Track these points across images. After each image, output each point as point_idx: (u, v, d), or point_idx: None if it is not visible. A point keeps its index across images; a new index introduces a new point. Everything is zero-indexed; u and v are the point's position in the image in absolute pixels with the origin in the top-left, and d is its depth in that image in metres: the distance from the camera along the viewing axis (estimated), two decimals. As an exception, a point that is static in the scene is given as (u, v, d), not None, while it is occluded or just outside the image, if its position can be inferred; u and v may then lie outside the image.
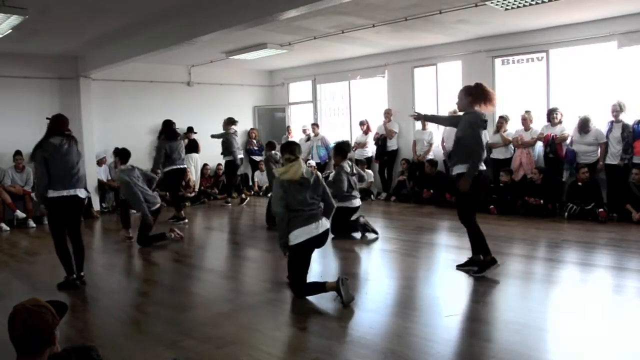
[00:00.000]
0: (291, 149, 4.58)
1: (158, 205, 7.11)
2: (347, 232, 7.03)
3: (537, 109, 8.74)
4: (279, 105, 13.23)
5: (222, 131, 10.06)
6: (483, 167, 4.92)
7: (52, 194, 4.87)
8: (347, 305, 4.20)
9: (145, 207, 6.80)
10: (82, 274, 5.16)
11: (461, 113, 5.13)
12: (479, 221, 4.98)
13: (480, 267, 4.94)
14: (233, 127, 9.96)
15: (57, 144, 4.86)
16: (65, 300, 4.35)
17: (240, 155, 10.16)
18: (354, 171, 7.25)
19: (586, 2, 6.86)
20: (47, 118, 5.09)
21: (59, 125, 4.97)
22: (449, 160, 5.06)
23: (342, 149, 7.25)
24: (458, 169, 4.90)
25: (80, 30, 7.77)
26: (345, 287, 4.24)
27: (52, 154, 4.82)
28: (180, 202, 9.06)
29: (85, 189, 5.28)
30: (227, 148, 9.93)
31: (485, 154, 4.92)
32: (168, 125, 8.74)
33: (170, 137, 8.62)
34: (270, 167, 7.98)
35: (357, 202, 7.21)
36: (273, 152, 8.07)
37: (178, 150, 8.68)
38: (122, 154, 7.14)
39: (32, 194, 8.91)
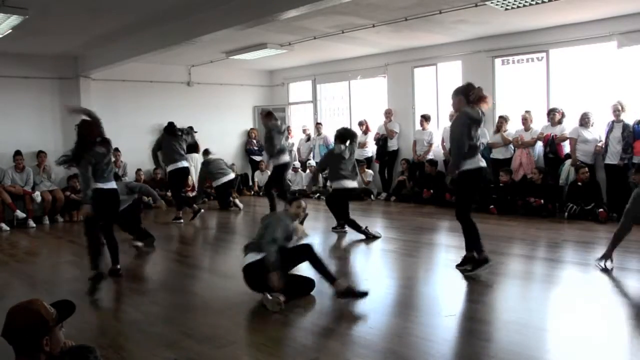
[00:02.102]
0: (295, 203, 4.75)
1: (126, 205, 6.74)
2: (352, 225, 6.96)
3: (537, 109, 8.73)
4: (279, 105, 13.22)
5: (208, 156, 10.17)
6: (483, 163, 4.92)
7: (97, 186, 5.13)
8: (362, 295, 4.27)
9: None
10: (118, 266, 5.39)
11: None
12: (479, 221, 4.98)
13: (474, 265, 4.95)
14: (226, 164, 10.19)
15: (103, 153, 5.13)
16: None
17: (230, 177, 10.13)
18: (347, 155, 7.02)
19: (586, 2, 6.86)
20: (77, 125, 5.29)
21: (97, 132, 5.14)
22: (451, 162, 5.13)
23: (342, 135, 7.19)
24: (460, 166, 4.91)
25: (80, 30, 7.78)
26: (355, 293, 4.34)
27: (99, 162, 5.10)
28: (182, 202, 8.92)
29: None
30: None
31: (471, 148, 4.80)
32: (169, 128, 8.68)
33: (169, 132, 8.58)
34: (272, 135, 8.09)
35: (349, 183, 7.01)
36: (273, 121, 8.20)
37: (177, 147, 8.55)
38: None
39: (33, 195, 8.94)
